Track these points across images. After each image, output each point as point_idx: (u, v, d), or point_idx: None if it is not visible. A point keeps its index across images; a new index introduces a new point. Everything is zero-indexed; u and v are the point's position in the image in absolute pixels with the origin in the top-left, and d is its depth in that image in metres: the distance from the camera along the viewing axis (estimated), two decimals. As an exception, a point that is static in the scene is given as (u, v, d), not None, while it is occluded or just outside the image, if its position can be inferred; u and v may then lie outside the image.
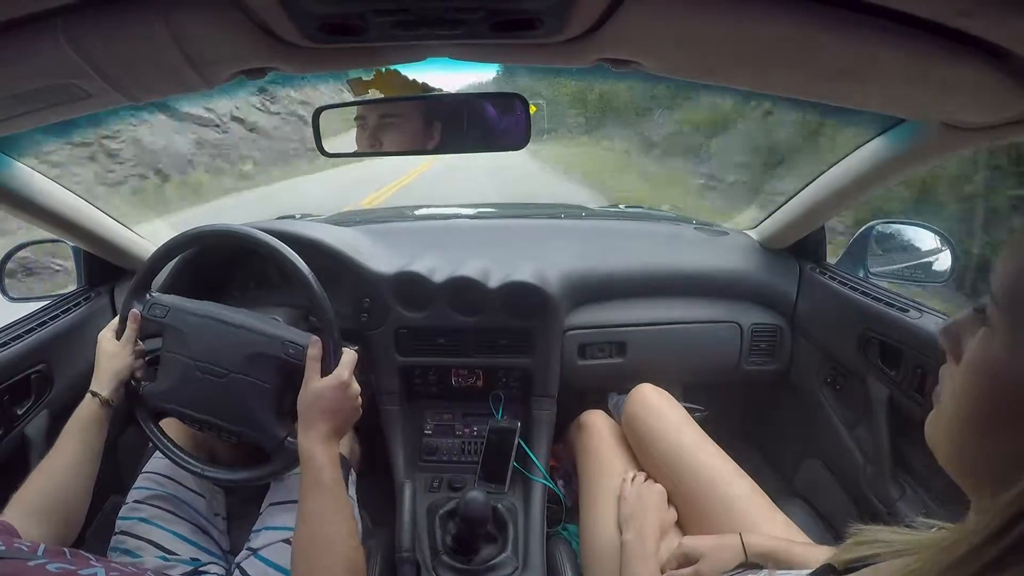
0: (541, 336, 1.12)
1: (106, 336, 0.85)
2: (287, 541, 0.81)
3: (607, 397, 1.28)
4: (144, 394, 0.84)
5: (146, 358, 0.88)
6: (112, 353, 0.83)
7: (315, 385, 0.75)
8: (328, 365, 0.77)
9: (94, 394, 0.79)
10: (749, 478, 0.88)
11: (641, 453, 0.98)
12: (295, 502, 0.72)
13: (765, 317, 1.23)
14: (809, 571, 0.47)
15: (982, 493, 0.33)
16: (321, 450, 0.71)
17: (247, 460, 0.86)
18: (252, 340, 0.82)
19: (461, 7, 0.46)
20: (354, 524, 0.69)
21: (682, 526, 0.88)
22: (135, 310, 0.86)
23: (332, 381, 0.75)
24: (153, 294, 0.87)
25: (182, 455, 0.85)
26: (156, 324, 0.85)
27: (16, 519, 0.63)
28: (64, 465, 0.74)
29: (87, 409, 0.78)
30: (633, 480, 0.92)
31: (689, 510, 0.88)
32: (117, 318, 0.87)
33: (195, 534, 0.86)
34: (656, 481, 0.92)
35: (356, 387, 0.77)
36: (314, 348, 0.77)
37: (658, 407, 0.99)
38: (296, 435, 0.75)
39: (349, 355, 0.78)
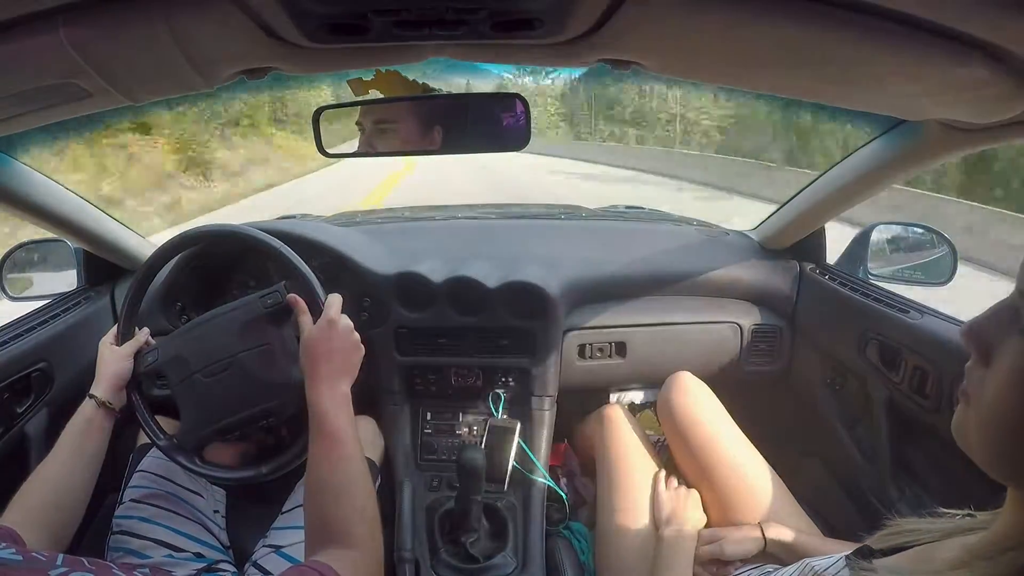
0: (541, 336, 1.12)
1: (106, 343, 0.86)
2: None
3: (610, 396, 1.27)
4: (178, 442, 0.84)
5: (149, 346, 0.88)
6: (111, 359, 0.83)
7: (305, 335, 0.74)
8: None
9: (91, 396, 0.79)
10: (775, 473, 0.91)
11: (674, 437, 1.00)
12: None
13: (765, 318, 1.23)
14: (846, 552, 0.48)
15: (1021, 482, 0.34)
16: (325, 394, 0.69)
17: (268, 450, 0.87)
18: (233, 317, 0.82)
19: (462, 7, 0.46)
20: (365, 470, 0.66)
21: (708, 512, 0.92)
22: (145, 328, 0.87)
23: (320, 324, 0.74)
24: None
25: (239, 473, 0.85)
26: (155, 369, 0.85)
27: (17, 523, 0.63)
28: (61, 468, 0.74)
29: (83, 412, 0.78)
30: (667, 482, 0.95)
31: (717, 497, 0.91)
32: (117, 326, 0.87)
33: (199, 531, 0.86)
34: (685, 465, 0.97)
35: (346, 323, 0.75)
36: (295, 305, 0.78)
37: (698, 395, 1.03)
38: None
39: (334, 297, 0.77)
